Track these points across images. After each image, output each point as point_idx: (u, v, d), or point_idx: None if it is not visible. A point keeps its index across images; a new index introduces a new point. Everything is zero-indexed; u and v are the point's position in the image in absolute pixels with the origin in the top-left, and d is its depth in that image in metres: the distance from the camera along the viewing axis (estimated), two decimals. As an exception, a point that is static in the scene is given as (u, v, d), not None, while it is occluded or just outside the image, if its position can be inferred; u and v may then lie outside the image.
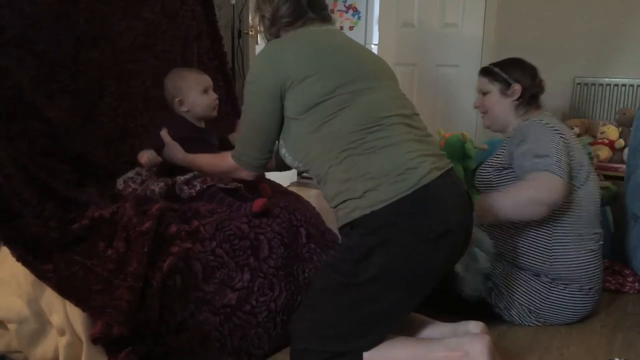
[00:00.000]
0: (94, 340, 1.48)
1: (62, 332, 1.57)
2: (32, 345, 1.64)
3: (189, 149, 1.93)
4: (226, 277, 1.67)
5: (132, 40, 2.21)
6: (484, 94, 2.19)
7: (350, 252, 1.50)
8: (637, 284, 2.40)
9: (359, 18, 5.79)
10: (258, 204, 1.83)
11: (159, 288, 1.55)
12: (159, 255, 1.60)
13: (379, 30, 4.14)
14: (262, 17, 1.71)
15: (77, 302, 1.51)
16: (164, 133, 1.95)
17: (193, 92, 2.00)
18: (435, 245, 1.46)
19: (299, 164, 1.64)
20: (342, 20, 5.86)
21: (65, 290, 1.52)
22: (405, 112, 1.59)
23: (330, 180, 1.54)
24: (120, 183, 1.94)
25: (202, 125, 2.06)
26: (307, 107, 1.54)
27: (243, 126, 1.70)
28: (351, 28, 5.82)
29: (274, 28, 1.69)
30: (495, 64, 2.19)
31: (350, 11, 5.80)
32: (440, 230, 1.45)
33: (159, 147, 1.93)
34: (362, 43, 5.85)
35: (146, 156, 1.89)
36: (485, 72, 2.19)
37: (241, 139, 1.72)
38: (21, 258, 1.53)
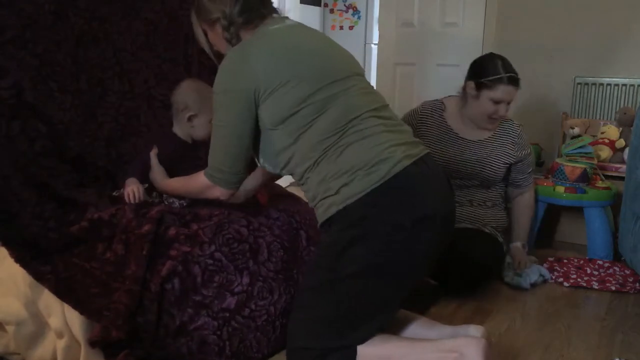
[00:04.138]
0: (92, 343, 1.48)
1: (60, 335, 1.57)
2: (30, 348, 1.63)
3: (176, 166, 1.89)
4: (225, 281, 1.66)
5: (132, 39, 2.21)
6: (509, 102, 2.31)
7: (331, 247, 1.50)
8: (637, 284, 2.40)
9: (359, 18, 5.78)
10: (263, 197, 1.85)
11: (157, 292, 1.55)
12: (157, 258, 1.60)
13: (379, 30, 4.13)
14: (216, 19, 1.63)
15: (75, 305, 1.50)
16: (153, 154, 1.92)
17: (206, 118, 1.90)
18: (413, 232, 1.45)
19: (282, 171, 1.63)
20: (342, 19, 5.86)
21: (63, 293, 1.52)
22: (375, 105, 1.58)
23: (309, 182, 1.55)
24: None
25: (190, 140, 1.99)
26: (283, 117, 1.52)
27: (217, 140, 1.61)
28: (351, 28, 5.81)
29: (232, 28, 1.62)
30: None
31: (350, 11, 5.79)
32: (416, 216, 1.46)
33: (146, 170, 1.90)
34: (362, 43, 5.85)
35: (132, 191, 1.78)
36: (519, 82, 2.30)
37: (215, 154, 1.63)
38: (20, 259, 1.53)
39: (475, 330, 1.59)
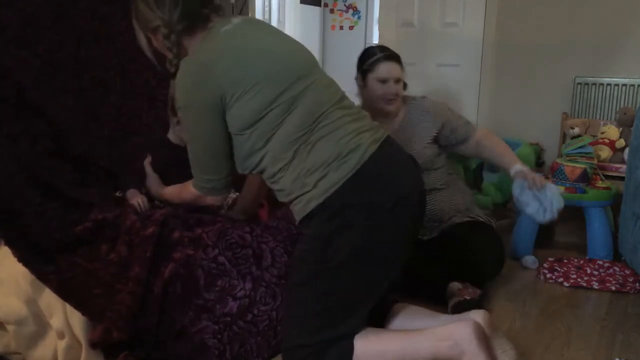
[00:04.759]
0: (93, 344, 1.48)
1: (61, 335, 1.57)
2: (30, 347, 1.64)
3: (172, 171, 1.89)
4: (227, 285, 1.65)
5: (133, 39, 2.20)
6: (398, 80, 2.35)
7: (314, 241, 1.51)
8: (637, 284, 2.40)
9: (359, 18, 5.78)
10: (264, 214, 1.86)
11: (159, 294, 1.55)
12: (160, 261, 1.60)
13: (379, 30, 4.13)
14: (156, 27, 1.56)
15: (77, 306, 1.51)
16: (147, 162, 1.94)
17: None
18: (392, 213, 1.48)
19: (251, 172, 1.63)
20: (342, 20, 5.86)
21: (66, 293, 1.52)
22: (337, 97, 1.60)
23: (282, 181, 1.55)
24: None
25: (183, 144, 1.96)
26: (250, 123, 1.51)
27: (194, 153, 1.62)
28: (351, 28, 5.82)
29: (173, 36, 1.55)
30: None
31: (350, 11, 5.80)
32: (393, 198, 1.49)
33: (143, 177, 1.93)
34: (362, 43, 5.85)
35: (136, 202, 1.83)
36: (399, 59, 2.38)
37: (196, 166, 1.63)
38: (22, 259, 1.53)
39: (475, 314, 1.59)
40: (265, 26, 1.68)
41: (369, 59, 2.36)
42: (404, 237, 1.54)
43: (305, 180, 1.51)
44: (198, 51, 1.55)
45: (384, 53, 2.36)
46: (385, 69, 2.33)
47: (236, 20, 1.61)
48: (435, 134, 2.39)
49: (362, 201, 1.48)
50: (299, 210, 1.55)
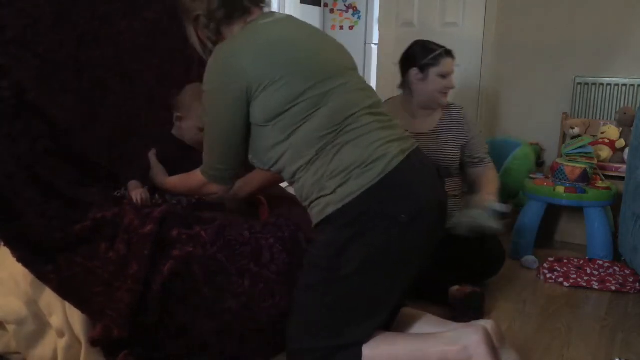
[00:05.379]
0: (94, 342, 1.48)
1: (61, 334, 1.57)
2: (30, 347, 1.64)
3: (177, 167, 1.89)
4: (226, 282, 1.65)
5: (133, 39, 2.21)
6: (452, 74, 2.43)
7: (329, 247, 1.50)
8: (637, 284, 2.40)
9: (359, 18, 5.78)
10: (264, 213, 1.86)
11: (159, 292, 1.55)
12: (159, 258, 1.60)
13: (379, 30, 4.13)
14: (197, 17, 1.60)
15: (77, 304, 1.51)
16: (152, 153, 1.95)
17: (192, 123, 1.96)
18: (410, 226, 1.46)
19: (271, 169, 1.61)
20: (342, 19, 5.86)
21: (66, 292, 1.52)
22: (369, 102, 1.58)
23: (302, 181, 1.54)
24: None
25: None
26: (275, 114, 1.50)
27: (209, 139, 1.61)
28: (351, 28, 5.82)
29: (212, 24, 1.59)
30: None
31: (350, 11, 5.80)
32: (413, 211, 1.47)
33: (147, 170, 1.93)
34: (362, 43, 5.85)
35: (139, 195, 1.83)
36: (453, 53, 2.43)
37: (209, 152, 1.63)
38: (22, 259, 1.53)
39: (484, 322, 1.58)
40: (305, 25, 1.67)
41: (429, 53, 2.39)
42: (418, 250, 1.52)
43: (326, 183, 1.49)
44: (233, 38, 1.57)
45: (444, 48, 2.41)
46: (447, 63, 2.40)
47: (279, 15, 1.64)
48: (464, 142, 2.46)
49: (381, 211, 1.46)
50: (316, 214, 1.54)
